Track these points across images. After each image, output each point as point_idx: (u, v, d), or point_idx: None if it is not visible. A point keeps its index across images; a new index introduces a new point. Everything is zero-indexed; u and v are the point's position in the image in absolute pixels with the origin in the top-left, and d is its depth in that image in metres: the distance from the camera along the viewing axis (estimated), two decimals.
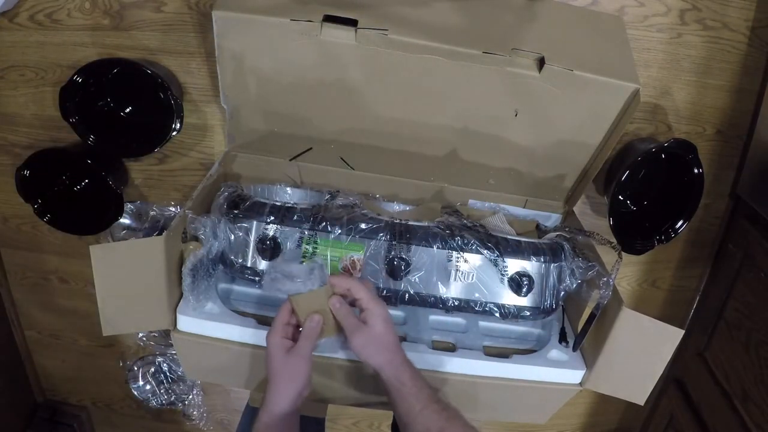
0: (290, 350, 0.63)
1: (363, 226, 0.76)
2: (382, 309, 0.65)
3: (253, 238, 0.76)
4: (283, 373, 0.63)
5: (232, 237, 0.76)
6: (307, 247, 0.75)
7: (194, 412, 1.32)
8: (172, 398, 1.28)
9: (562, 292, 0.80)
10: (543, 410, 0.85)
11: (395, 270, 0.76)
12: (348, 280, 0.67)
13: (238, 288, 0.83)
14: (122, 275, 0.69)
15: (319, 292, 0.66)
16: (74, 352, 1.33)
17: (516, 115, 0.82)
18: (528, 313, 0.79)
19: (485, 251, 0.77)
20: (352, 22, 0.73)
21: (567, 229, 0.87)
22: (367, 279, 0.68)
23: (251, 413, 0.87)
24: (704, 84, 0.95)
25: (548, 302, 0.79)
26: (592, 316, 0.76)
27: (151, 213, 1.04)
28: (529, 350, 0.83)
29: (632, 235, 0.95)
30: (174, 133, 0.89)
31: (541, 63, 0.76)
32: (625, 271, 1.15)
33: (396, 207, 0.95)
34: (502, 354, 0.80)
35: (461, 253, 0.77)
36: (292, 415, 0.64)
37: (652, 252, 0.97)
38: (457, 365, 0.76)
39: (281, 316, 0.65)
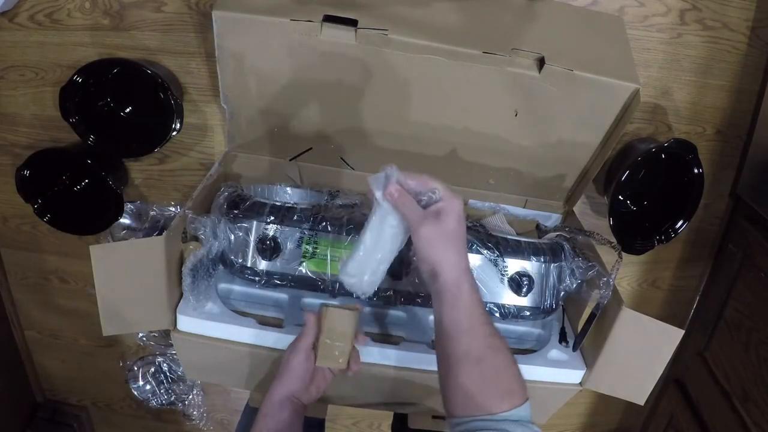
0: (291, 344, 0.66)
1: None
2: (460, 204, 0.58)
3: (253, 238, 0.76)
4: (280, 367, 0.66)
5: (232, 237, 0.76)
6: (308, 247, 0.75)
7: (194, 412, 1.32)
8: (172, 398, 1.28)
9: (562, 292, 0.80)
10: (543, 410, 0.85)
11: (395, 270, 0.76)
12: (419, 176, 0.59)
13: (238, 288, 0.83)
14: (122, 275, 0.69)
15: (348, 314, 0.65)
16: (74, 352, 1.33)
17: (516, 115, 0.82)
18: (528, 313, 0.79)
19: (485, 251, 0.77)
20: (352, 22, 0.73)
21: (567, 229, 0.87)
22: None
23: (251, 413, 0.87)
24: (704, 84, 0.95)
25: (548, 302, 0.79)
26: (592, 316, 0.76)
27: (151, 213, 1.04)
28: (529, 350, 0.83)
29: (632, 235, 0.95)
30: (174, 133, 0.89)
31: (541, 63, 0.76)
32: (625, 271, 1.15)
33: None
34: None
35: None
36: (286, 409, 0.65)
37: (652, 252, 0.97)
38: None
39: (311, 327, 0.66)
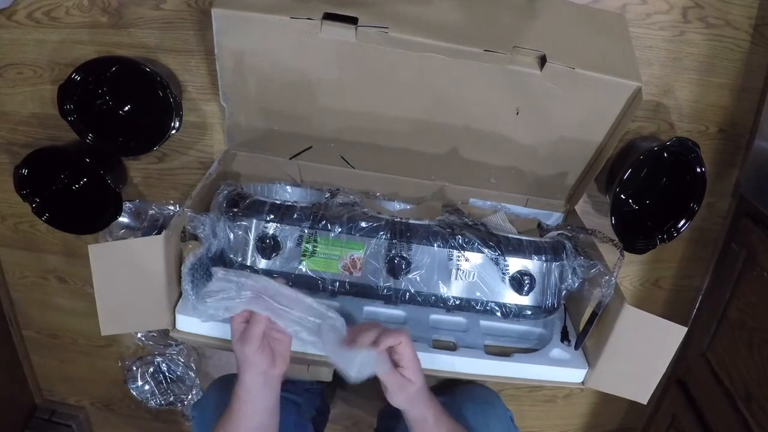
0: (242, 334, 0.64)
1: (363, 224, 0.75)
2: (418, 363, 0.66)
3: (252, 236, 0.75)
4: (241, 358, 0.64)
5: (232, 235, 0.75)
6: (307, 245, 0.75)
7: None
8: (171, 398, 1.27)
9: (564, 291, 0.79)
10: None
11: (396, 269, 0.75)
12: (397, 338, 0.64)
13: None
14: (121, 274, 0.69)
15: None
16: (73, 352, 1.32)
17: (517, 114, 0.81)
18: (529, 312, 0.78)
19: (486, 250, 0.77)
20: (353, 20, 0.72)
21: (569, 228, 0.87)
22: (406, 329, 0.67)
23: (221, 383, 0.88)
24: (707, 82, 0.95)
25: (550, 301, 0.79)
26: (593, 315, 0.76)
27: (150, 212, 1.04)
28: (530, 349, 0.82)
29: (634, 234, 0.94)
30: (173, 132, 0.89)
31: (542, 61, 0.75)
32: (627, 271, 1.15)
33: (396, 206, 0.95)
34: (503, 353, 0.80)
35: (462, 251, 0.77)
36: (266, 387, 0.65)
37: (654, 251, 0.97)
38: (457, 364, 0.76)
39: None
